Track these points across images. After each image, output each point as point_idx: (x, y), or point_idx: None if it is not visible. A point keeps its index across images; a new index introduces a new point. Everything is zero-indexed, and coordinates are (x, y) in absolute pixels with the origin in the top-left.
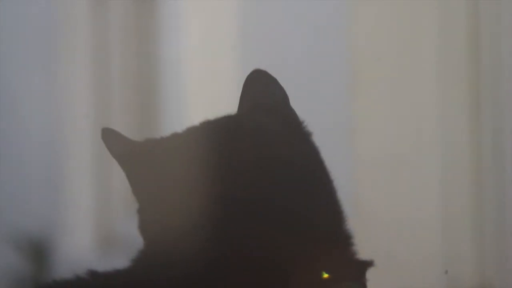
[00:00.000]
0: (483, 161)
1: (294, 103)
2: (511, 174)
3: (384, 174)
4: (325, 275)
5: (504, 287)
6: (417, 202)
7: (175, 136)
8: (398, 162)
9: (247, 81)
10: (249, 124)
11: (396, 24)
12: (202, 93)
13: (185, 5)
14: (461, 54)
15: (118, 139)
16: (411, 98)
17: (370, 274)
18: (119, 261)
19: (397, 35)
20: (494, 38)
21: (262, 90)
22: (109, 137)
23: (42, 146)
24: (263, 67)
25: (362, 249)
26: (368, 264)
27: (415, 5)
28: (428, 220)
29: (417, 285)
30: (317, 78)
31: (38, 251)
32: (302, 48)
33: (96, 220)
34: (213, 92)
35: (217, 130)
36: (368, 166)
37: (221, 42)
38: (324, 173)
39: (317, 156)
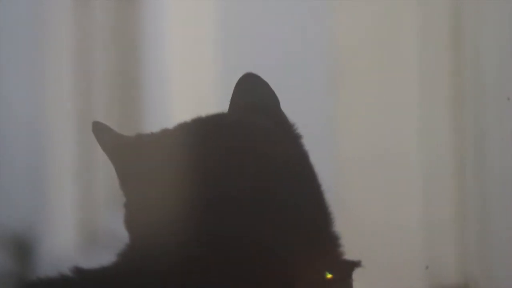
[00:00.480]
0: (465, 160)
1: None
2: (492, 172)
3: (366, 172)
4: (329, 275)
5: (485, 283)
6: (399, 200)
7: (165, 131)
8: (380, 161)
9: (238, 84)
10: (241, 122)
11: (378, 23)
12: (184, 90)
13: (167, 2)
14: (443, 52)
15: (109, 133)
16: (393, 97)
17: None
18: (103, 257)
19: (378, 34)
20: (474, 38)
21: (253, 92)
22: (100, 130)
23: (25, 144)
24: (244, 65)
25: (343, 246)
26: (355, 264)
27: (396, 3)
28: (410, 218)
29: (399, 281)
30: (298, 77)
31: (21, 248)
32: (283, 47)
33: (79, 216)
34: (195, 90)
35: (209, 126)
36: (349, 166)
37: (203, 40)
38: (313, 175)
39: (306, 159)
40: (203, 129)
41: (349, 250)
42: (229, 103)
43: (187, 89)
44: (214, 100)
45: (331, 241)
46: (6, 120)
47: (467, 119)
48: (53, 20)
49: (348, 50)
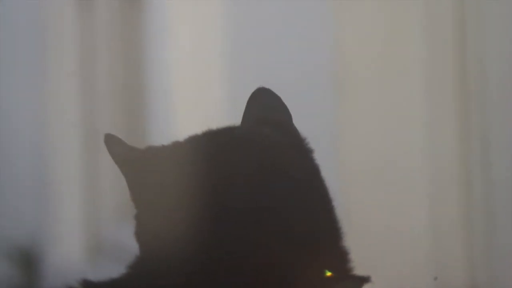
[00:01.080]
0: (471, 168)
1: None
2: (499, 180)
3: (371, 181)
4: (328, 273)
5: None
6: (405, 209)
7: (176, 144)
8: (386, 170)
9: (251, 98)
10: (252, 135)
11: (382, 30)
12: (188, 97)
13: (172, 10)
14: (448, 57)
15: (120, 145)
16: (398, 104)
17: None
18: (109, 268)
19: (383, 41)
20: (479, 44)
21: (265, 106)
22: (112, 143)
23: (31, 156)
24: (248, 74)
25: (352, 257)
26: (364, 280)
27: (401, 10)
28: (418, 227)
29: None
30: (302, 85)
31: (28, 261)
32: (288, 55)
33: (85, 229)
34: (200, 96)
35: (219, 139)
36: (354, 174)
37: (208, 47)
38: (324, 190)
39: (318, 173)
40: (214, 142)
41: (356, 261)
42: (234, 111)
43: (192, 99)
44: (219, 109)
45: (340, 257)
46: (11, 131)
47: (472, 126)
48: (57, 28)
49: (352, 57)
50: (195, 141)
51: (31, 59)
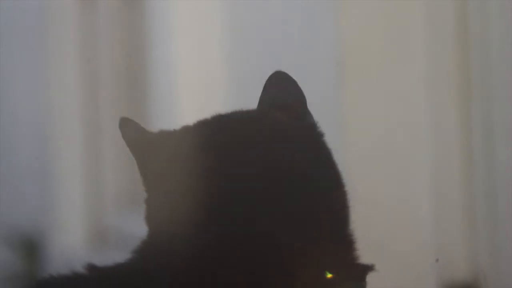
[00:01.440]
0: (473, 151)
1: None
2: (501, 163)
3: (374, 166)
4: (329, 275)
5: (495, 275)
6: (408, 192)
7: (186, 128)
8: (389, 154)
9: (268, 82)
10: (263, 119)
11: (385, 17)
12: (191, 89)
13: (174, 2)
14: (450, 46)
15: (134, 128)
16: (401, 91)
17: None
18: (112, 255)
19: (386, 28)
20: (482, 32)
21: (280, 90)
22: (126, 126)
23: (33, 143)
24: (252, 62)
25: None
26: (369, 268)
27: None
28: (420, 210)
29: (409, 274)
30: (306, 72)
31: (30, 248)
32: (291, 42)
33: (88, 216)
34: (202, 88)
35: (228, 123)
36: (357, 160)
37: (209, 38)
38: (336, 175)
39: (330, 158)
40: (222, 126)
41: (358, 244)
42: (237, 99)
43: (194, 89)
44: (221, 99)
45: (347, 244)
46: (13, 120)
47: (474, 110)
48: (59, 20)
49: (356, 45)
50: (204, 125)
51: (34, 51)
